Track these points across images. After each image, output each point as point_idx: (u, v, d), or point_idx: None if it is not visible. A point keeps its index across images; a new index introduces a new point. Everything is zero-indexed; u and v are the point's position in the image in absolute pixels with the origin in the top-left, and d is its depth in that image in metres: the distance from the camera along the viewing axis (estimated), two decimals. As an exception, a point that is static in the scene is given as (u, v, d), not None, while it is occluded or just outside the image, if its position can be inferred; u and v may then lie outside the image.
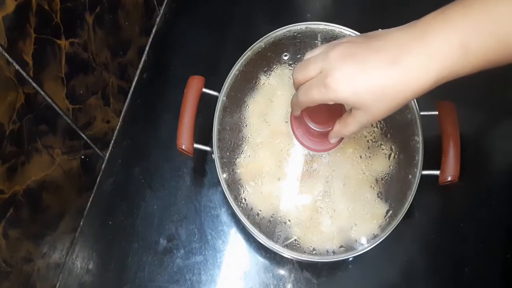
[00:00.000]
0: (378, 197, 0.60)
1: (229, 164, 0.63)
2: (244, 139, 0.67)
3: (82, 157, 0.62)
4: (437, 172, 0.55)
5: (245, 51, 0.62)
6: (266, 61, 0.66)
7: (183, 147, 0.57)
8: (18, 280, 0.53)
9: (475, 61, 0.35)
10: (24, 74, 0.46)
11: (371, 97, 0.37)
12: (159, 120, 0.72)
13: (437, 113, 0.57)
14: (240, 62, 0.62)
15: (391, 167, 0.62)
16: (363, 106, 0.38)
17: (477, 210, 0.65)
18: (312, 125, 0.48)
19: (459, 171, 0.54)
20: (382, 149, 0.63)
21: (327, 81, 0.38)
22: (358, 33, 0.61)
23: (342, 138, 0.52)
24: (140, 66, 0.76)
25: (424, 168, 0.55)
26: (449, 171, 0.54)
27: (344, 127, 0.43)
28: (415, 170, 0.56)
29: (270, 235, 0.59)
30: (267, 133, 0.63)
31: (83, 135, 0.61)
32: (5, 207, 0.48)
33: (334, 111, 0.46)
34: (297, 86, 0.44)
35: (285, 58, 0.67)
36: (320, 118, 0.48)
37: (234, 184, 0.63)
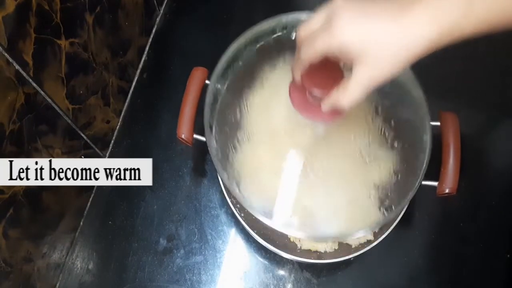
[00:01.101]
0: (375, 201, 0.61)
1: (229, 158, 0.63)
2: (243, 134, 0.67)
3: (82, 157, 0.62)
4: (435, 183, 0.54)
5: (246, 50, 0.62)
6: (268, 57, 0.66)
7: (183, 136, 0.57)
8: (18, 280, 0.53)
9: (478, 18, 0.34)
10: (24, 74, 0.46)
11: (375, 47, 0.36)
12: (159, 120, 0.72)
13: (439, 123, 0.56)
14: (244, 59, 0.62)
15: (391, 173, 0.62)
16: (367, 55, 0.36)
17: (477, 211, 0.65)
18: (311, 91, 0.45)
19: (457, 184, 0.53)
20: (383, 155, 0.63)
21: (332, 27, 0.37)
22: None
23: (338, 113, 0.48)
24: (140, 66, 0.76)
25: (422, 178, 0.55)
26: (448, 184, 0.53)
27: (343, 92, 0.40)
28: (416, 180, 0.55)
29: (268, 234, 0.59)
30: (267, 129, 0.64)
31: (83, 135, 0.61)
32: (5, 207, 0.48)
33: (335, 76, 0.44)
34: (300, 44, 0.42)
35: (288, 55, 0.67)
36: (320, 83, 0.45)
37: (232, 179, 0.63)
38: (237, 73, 0.62)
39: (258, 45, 0.63)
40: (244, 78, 0.65)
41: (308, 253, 0.59)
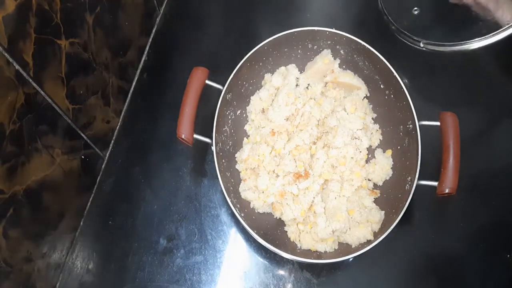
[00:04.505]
0: (374, 202, 0.61)
1: (229, 157, 0.64)
2: (244, 134, 0.67)
3: (82, 157, 0.62)
4: (435, 183, 0.55)
5: (246, 50, 0.62)
6: (270, 60, 0.66)
7: (183, 137, 0.57)
8: (18, 280, 0.53)
9: None
10: (24, 74, 0.46)
11: None
12: (159, 120, 0.72)
13: (439, 123, 0.56)
14: (245, 60, 0.62)
15: (389, 175, 0.63)
16: None
17: (477, 210, 0.65)
18: None
19: (457, 184, 0.53)
20: (381, 156, 0.63)
21: None
22: (359, 40, 0.61)
23: None
24: (140, 66, 0.76)
25: (422, 178, 0.55)
26: (448, 183, 0.53)
27: None
28: (412, 180, 0.55)
29: (268, 234, 0.59)
30: (268, 130, 0.64)
31: (83, 135, 0.61)
32: (5, 207, 0.48)
33: None
34: None
35: (290, 58, 0.67)
36: None
37: (233, 178, 0.63)
38: (240, 75, 0.63)
39: (261, 49, 0.63)
40: (247, 80, 0.66)
41: (308, 253, 0.59)
